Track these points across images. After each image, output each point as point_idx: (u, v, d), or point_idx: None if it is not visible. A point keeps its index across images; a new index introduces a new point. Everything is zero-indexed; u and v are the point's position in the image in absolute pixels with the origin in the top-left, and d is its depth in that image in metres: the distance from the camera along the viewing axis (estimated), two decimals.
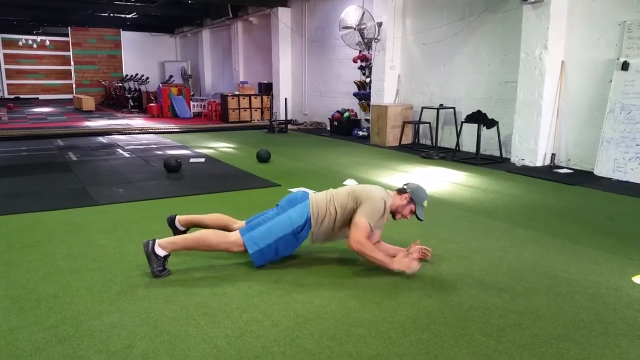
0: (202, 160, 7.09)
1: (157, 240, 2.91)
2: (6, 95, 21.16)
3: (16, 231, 3.74)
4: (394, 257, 2.93)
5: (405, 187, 3.12)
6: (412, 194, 3.06)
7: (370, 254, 2.87)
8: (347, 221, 3.00)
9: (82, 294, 2.67)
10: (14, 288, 2.73)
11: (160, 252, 2.89)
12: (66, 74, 22.16)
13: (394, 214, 3.09)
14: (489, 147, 7.51)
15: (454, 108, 8.08)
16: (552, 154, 6.62)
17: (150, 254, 2.89)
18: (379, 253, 2.91)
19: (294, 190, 5.14)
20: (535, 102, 6.54)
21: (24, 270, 2.98)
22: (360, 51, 9.84)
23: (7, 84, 21.95)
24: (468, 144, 7.92)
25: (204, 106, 14.50)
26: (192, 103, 14.64)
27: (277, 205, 3.14)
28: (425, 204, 3.08)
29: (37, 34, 21.22)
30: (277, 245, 2.97)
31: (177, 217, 3.42)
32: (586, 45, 6.22)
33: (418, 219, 3.11)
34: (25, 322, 2.36)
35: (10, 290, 2.70)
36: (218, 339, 2.22)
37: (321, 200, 3.07)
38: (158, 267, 2.89)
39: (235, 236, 2.98)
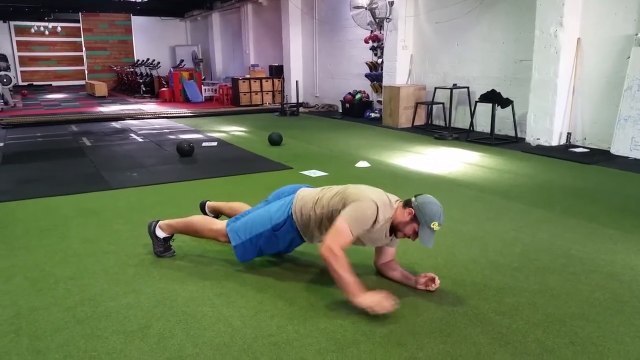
0: (215, 144, 7.11)
1: (159, 222, 2.96)
2: (20, 83, 21.31)
3: (33, 216, 3.80)
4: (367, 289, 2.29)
5: (413, 199, 2.41)
6: (417, 211, 2.34)
7: (337, 268, 2.25)
8: None
9: (99, 276, 2.71)
10: (33, 271, 2.78)
11: (160, 234, 2.93)
12: (78, 60, 22.23)
13: (395, 229, 2.46)
14: (504, 127, 7.42)
15: (467, 88, 7.98)
16: (568, 133, 6.53)
17: (152, 235, 2.95)
18: (349, 274, 2.26)
19: (306, 172, 5.14)
20: (551, 80, 6.43)
21: (42, 254, 3.03)
22: (371, 31, 9.72)
23: (21, 71, 22.09)
24: (482, 124, 7.83)
25: (215, 90, 14.50)
26: (203, 87, 14.64)
27: (267, 198, 2.85)
28: (434, 226, 2.33)
29: (49, 21, 21.26)
30: (257, 241, 2.65)
31: (207, 203, 3.41)
32: (603, 21, 6.08)
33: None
34: (45, 303, 2.40)
35: (29, 273, 2.75)
36: (233, 319, 2.24)
37: (308, 197, 2.60)
38: (159, 247, 2.95)
39: (221, 225, 2.79)
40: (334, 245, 2.28)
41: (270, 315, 2.27)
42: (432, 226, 2.33)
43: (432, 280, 2.48)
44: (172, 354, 1.99)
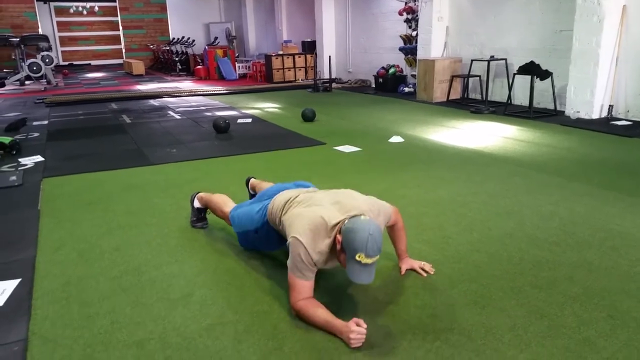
0: (249, 120, 7.18)
1: (199, 193, 3.10)
2: (61, 62, 21.87)
3: (78, 190, 3.96)
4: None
5: (343, 224, 1.99)
6: (343, 237, 1.94)
7: (312, 323, 1.99)
8: None
9: (142, 247, 2.82)
10: (80, 242, 2.92)
11: (195, 204, 3.07)
12: (115, 40, 22.61)
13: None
14: (543, 100, 7.21)
15: (505, 59, 7.77)
16: (610, 105, 6.30)
17: (191, 204, 3.11)
18: (324, 320, 1.96)
19: (339, 148, 5.16)
20: (592, 50, 6.19)
21: (88, 226, 3.17)
22: (406, 3, 9.53)
23: (62, 51, 22.65)
24: (520, 97, 7.63)
25: (249, 67, 14.55)
26: (237, 64, 14.70)
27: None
28: (360, 257, 1.86)
29: (87, 1, 21.65)
30: (247, 236, 2.60)
31: (251, 180, 3.36)
32: None
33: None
34: (92, 272, 2.53)
35: (76, 245, 2.89)
36: (272, 288, 2.31)
37: (278, 206, 2.34)
38: (192, 217, 3.09)
39: (229, 208, 2.78)
40: (294, 303, 2.05)
41: None
42: (357, 258, 1.86)
43: (422, 268, 2.43)
44: (213, 320, 2.07)
